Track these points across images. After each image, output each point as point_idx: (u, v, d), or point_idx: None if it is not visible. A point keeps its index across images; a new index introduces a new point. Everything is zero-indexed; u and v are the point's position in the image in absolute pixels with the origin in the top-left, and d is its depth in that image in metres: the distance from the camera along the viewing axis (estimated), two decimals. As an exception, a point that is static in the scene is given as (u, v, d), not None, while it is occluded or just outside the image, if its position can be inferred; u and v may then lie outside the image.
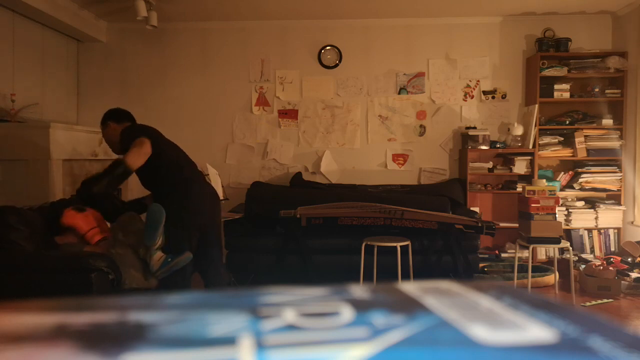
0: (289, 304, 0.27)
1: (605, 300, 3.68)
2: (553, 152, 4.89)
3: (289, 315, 0.25)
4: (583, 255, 4.68)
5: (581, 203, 4.90)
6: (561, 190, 4.86)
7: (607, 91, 4.84)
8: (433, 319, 0.25)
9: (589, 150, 4.79)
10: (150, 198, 2.92)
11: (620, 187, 4.79)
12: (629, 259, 4.27)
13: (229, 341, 0.22)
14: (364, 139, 5.18)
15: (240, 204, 4.58)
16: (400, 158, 5.17)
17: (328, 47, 5.13)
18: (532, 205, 3.41)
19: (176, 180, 2.74)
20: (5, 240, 2.60)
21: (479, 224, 3.67)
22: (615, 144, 4.79)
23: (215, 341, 0.22)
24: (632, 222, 4.68)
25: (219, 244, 3.01)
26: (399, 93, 5.15)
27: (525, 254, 3.94)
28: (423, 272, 3.71)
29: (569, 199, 4.92)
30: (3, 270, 2.45)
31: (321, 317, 0.25)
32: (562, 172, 4.96)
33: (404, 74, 5.14)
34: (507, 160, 4.94)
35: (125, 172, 2.58)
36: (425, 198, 4.07)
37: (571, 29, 4.97)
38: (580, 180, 4.82)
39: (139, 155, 2.61)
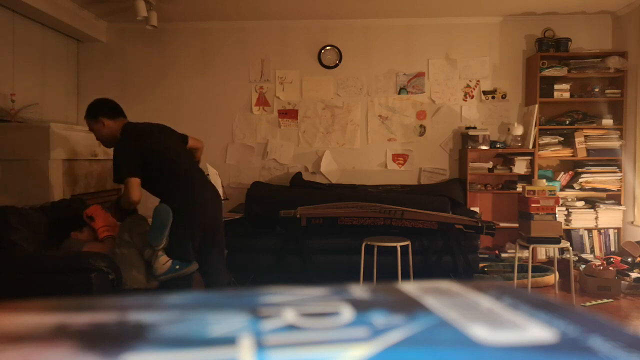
0: (289, 304, 0.27)
1: (605, 300, 3.68)
2: (553, 152, 4.89)
3: (289, 315, 0.25)
4: (583, 255, 4.69)
5: (581, 203, 4.91)
6: (561, 190, 4.86)
7: (607, 91, 4.84)
8: (433, 319, 0.25)
9: (589, 150, 4.79)
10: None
11: (620, 187, 4.79)
12: (629, 259, 4.27)
13: (229, 341, 0.22)
14: (364, 139, 5.18)
15: (240, 204, 4.58)
16: (400, 158, 5.17)
17: (328, 47, 5.13)
18: (532, 205, 3.41)
19: (178, 180, 2.73)
20: (5, 240, 2.60)
21: (479, 224, 3.67)
22: (615, 144, 4.79)
23: (215, 341, 0.22)
24: (632, 222, 4.68)
25: (220, 244, 3.00)
26: (399, 93, 5.15)
27: (525, 254, 3.94)
28: (423, 272, 3.71)
29: (569, 199, 4.92)
30: (3, 270, 2.45)
31: (321, 317, 0.25)
32: (562, 172, 4.96)
33: (404, 74, 5.14)
34: (507, 160, 4.94)
35: (132, 208, 2.78)
36: (425, 198, 4.07)
37: (571, 29, 4.97)
38: (580, 180, 4.82)
39: (131, 202, 2.67)
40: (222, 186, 4.19)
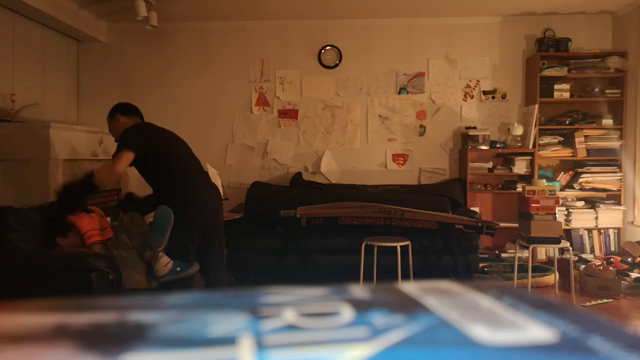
0: (289, 304, 0.27)
1: (605, 300, 3.68)
2: (553, 152, 4.89)
3: (289, 315, 0.25)
4: (583, 255, 4.69)
5: (581, 203, 4.91)
6: (561, 190, 4.86)
7: (607, 91, 4.84)
8: (433, 319, 0.25)
9: (589, 150, 4.79)
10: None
11: (620, 187, 4.79)
12: (629, 259, 4.27)
13: (229, 341, 0.22)
14: (364, 139, 5.18)
15: (240, 204, 4.58)
16: (400, 158, 5.17)
17: (328, 47, 5.13)
18: (532, 205, 3.41)
19: (180, 179, 2.74)
20: (3, 240, 2.59)
21: (479, 224, 3.67)
22: (615, 144, 4.79)
23: (215, 341, 0.22)
24: (632, 222, 4.68)
25: (220, 244, 3.00)
26: (399, 93, 5.15)
27: (525, 254, 3.94)
28: (423, 272, 3.71)
29: (569, 199, 4.92)
30: (3, 270, 2.45)
31: (321, 317, 0.25)
32: (562, 172, 4.96)
33: (404, 74, 5.14)
34: (507, 160, 4.94)
35: (94, 187, 2.68)
36: (425, 198, 4.07)
37: (571, 29, 4.97)
38: (580, 180, 4.82)
39: (110, 173, 2.64)
40: (222, 186, 4.19)
